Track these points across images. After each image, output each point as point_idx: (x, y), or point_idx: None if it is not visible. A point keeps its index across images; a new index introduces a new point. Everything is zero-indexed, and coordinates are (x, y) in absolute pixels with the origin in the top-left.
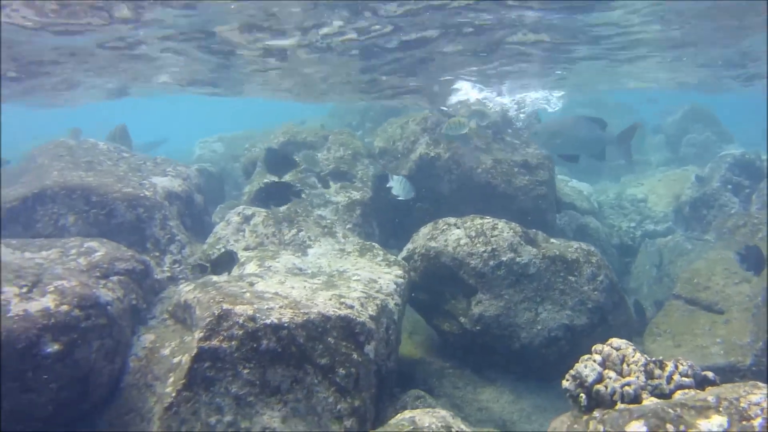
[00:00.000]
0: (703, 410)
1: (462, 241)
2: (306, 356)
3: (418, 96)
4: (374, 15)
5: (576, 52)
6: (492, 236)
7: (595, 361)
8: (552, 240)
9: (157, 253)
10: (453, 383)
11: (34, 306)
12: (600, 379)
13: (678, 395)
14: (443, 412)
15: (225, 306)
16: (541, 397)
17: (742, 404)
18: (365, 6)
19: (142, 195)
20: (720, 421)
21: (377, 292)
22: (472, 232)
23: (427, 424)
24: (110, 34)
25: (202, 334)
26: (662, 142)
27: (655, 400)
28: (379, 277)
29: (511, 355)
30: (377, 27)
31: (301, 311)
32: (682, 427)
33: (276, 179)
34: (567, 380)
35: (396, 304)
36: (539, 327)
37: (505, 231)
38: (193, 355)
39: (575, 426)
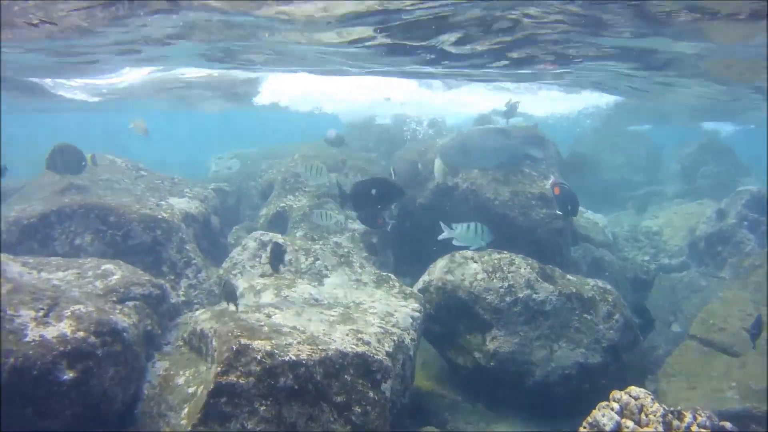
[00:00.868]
0: None
1: (479, 276)
2: (322, 394)
3: None
4: None
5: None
6: (509, 272)
7: (612, 409)
8: (569, 276)
9: (173, 277)
10: (465, 418)
11: (51, 332)
12: (617, 429)
13: None
14: None
15: (243, 341)
16: None
17: None
18: None
19: (159, 217)
20: None
21: (394, 326)
22: (489, 267)
23: None
24: None
25: (220, 369)
26: (678, 173)
27: None
28: (395, 311)
29: (525, 391)
30: None
31: (319, 347)
32: None
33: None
34: (584, 428)
35: (412, 339)
36: (553, 365)
37: (522, 267)
38: (210, 389)
39: None
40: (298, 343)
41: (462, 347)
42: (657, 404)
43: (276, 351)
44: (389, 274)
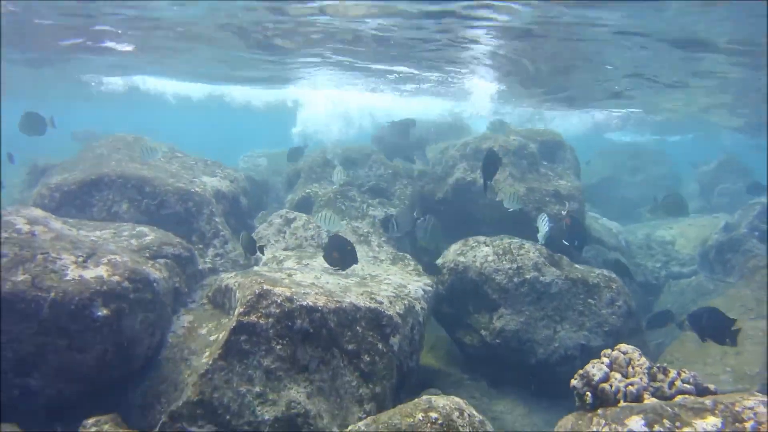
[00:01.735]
0: (700, 411)
1: (489, 258)
2: (335, 340)
3: None
4: None
5: None
6: (518, 255)
7: (603, 363)
8: (576, 265)
9: (202, 246)
10: (469, 393)
11: (89, 273)
12: (606, 378)
13: (678, 399)
14: (457, 399)
15: (266, 287)
16: (551, 414)
17: (736, 408)
18: None
19: (192, 190)
20: (714, 421)
21: (406, 295)
22: (500, 250)
23: (441, 405)
24: None
25: (242, 309)
26: (696, 191)
27: (655, 400)
28: (408, 284)
29: (527, 370)
30: None
31: (335, 299)
32: (678, 424)
33: None
34: (575, 379)
35: (422, 308)
36: (556, 344)
37: (531, 251)
38: (232, 326)
39: (579, 422)
40: (315, 294)
41: (470, 326)
42: (644, 359)
43: (295, 297)
44: (405, 254)
